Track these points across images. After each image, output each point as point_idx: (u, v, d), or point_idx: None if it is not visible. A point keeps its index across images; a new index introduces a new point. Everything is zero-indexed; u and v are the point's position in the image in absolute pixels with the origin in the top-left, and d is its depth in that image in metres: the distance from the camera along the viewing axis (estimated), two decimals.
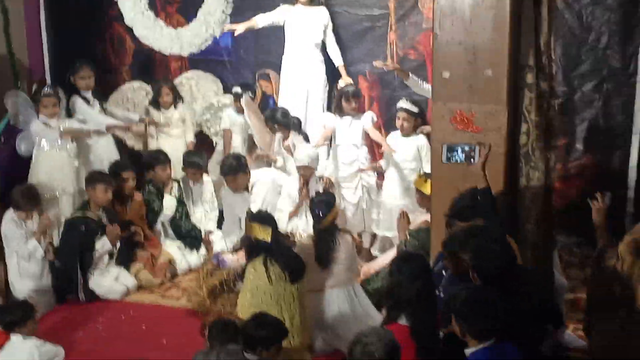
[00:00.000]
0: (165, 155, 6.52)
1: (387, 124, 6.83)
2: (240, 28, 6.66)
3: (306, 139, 6.63)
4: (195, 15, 6.77)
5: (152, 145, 7.08)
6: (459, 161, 4.47)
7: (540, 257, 4.70)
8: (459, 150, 4.47)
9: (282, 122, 6.54)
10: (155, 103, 7.07)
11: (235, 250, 6.09)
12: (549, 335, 4.27)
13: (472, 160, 4.45)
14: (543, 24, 4.54)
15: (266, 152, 6.64)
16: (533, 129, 4.55)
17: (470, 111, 4.54)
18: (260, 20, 6.75)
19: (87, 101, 6.67)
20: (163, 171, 6.43)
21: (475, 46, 4.49)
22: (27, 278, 5.66)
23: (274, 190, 6.48)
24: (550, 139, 4.68)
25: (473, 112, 4.54)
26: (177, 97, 7.08)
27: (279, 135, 6.61)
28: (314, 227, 5.30)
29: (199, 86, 7.31)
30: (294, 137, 6.54)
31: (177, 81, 7.26)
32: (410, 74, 6.33)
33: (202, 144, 7.33)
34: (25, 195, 5.63)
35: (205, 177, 6.70)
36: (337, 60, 6.79)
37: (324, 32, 6.76)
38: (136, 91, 7.40)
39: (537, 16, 4.53)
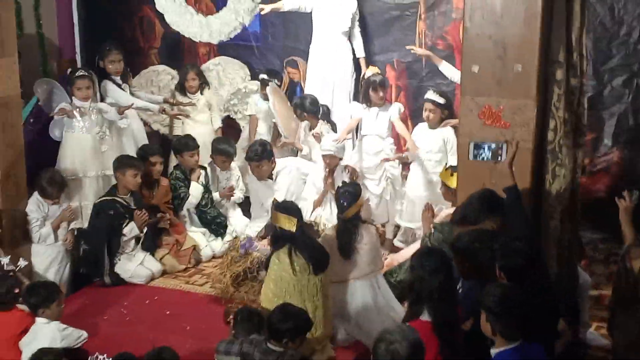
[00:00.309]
0: (194, 140, 6.53)
1: (413, 115, 6.81)
2: (266, 9, 6.64)
3: (333, 128, 6.62)
4: (223, 1, 6.82)
5: (178, 131, 7.10)
6: (485, 159, 4.45)
7: (565, 253, 4.67)
8: (486, 148, 4.44)
9: (311, 110, 6.55)
10: (182, 88, 7.08)
11: (260, 237, 6.12)
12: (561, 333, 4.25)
13: (499, 157, 4.42)
14: (575, 20, 4.48)
15: (292, 140, 6.64)
16: (561, 125, 4.51)
17: (498, 106, 4.51)
18: (287, 3, 6.74)
19: (118, 85, 6.70)
20: (191, 157, 6.44)
21: (505, 40, 4.44)
22: (47, 261, 5.74)
23: (299, 179, 6.49)
24: (579, 137, 4.63)
25: (501, 107, 4.51)
26: (203, 83, 7.10)
27: (305, 123, 6.61)
28: (337, 217, 5.30)
29: (226, 72, 7.33)
30: (321, 126, 6.54)
31: (204, 67, 7.29)
32: (443, 61, 6.29)
33: (229, 129, 7.36)
34: (49, 181, 5.69)
35: (232, 164, 6.73)
36: (359, 52, 6.78)
37: (352, 20, 6.73)
38: (160, 74, 7.44)
39: (570, 11, 4.47)
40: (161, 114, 7.04)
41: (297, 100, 6.62)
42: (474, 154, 4.46)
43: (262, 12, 6.63)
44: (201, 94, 7.09)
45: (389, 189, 6.46)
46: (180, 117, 7.00)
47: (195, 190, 6.39)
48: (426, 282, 3.75)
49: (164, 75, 7.39)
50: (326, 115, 6.62)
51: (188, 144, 6.50)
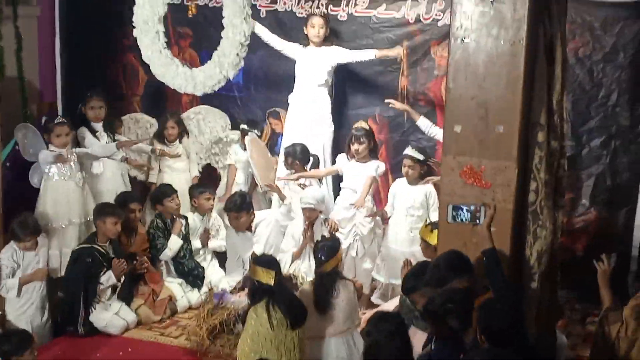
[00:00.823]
0: (172, 188, 6.53)
1: (394, 169, 6.83)
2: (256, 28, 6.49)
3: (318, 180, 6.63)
4: (206, 51, 6.85)
5: (153, 178, 7.11)
6: (464, 221, 4.46)
7: (544, 315, 4.68)
8: (464, 210, 4.46)
9: (301, 159, 6.53)
10: (160, 136, 7.09)
11: (237, 289, 6.07)
12: None
13: (477, 220, 4.44)
14: (556, 83, 4.56)
15: (277, 188, 6.61)
16: (542, 187, 4.54)
17: (480, 166, 4.54)
18: (261, 30, 6.63)
19: (94, 132, 6.67)
20: (171, 201, 6.41)
21: (488, 102, 4.49)
22: (20, 309, 5.66)
23: (278, 231, 6.48)
24: (559, 198, 4.68)
25: (483, 167, 4.54)
26: (182, 131, 7.11)
27: (288, 172, 6.58)
28: (315, 271, 5.28)
29: (206, 121, 7.33)
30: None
31: (184, 115, 7.30)
32: (421, 116, 6.35)
33: (207, 178, 7.35)
34: (21, 225, 5.63)
35: (213, 213, 6.71)
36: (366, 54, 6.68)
37: (331, 72, 6.76)
38: (139, 122, 7.42)
39: (551, 75, 4.55)
40: (152, 154, 7.04)
41: (289, 148, 6.60)
42: (452, 216, 4.48)
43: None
44: (180, 142, 7.10)
45: (356, 245, 6.39)
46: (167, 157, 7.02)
47: (175, 244, 6.34)
48: (382, 346, 3.75)
49: (142, 123, 7.38)
50: (316, 165, 6.61)
51: (166, 191, 6.48)
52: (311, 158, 6.61)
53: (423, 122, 6.35)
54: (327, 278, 5.14)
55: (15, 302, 5.64)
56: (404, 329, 3.94)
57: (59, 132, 6.28)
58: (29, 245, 5.68)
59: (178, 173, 7.06)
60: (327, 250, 5.19)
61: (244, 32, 5.35)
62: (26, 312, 5.65)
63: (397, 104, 6.53)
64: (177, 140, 7.08)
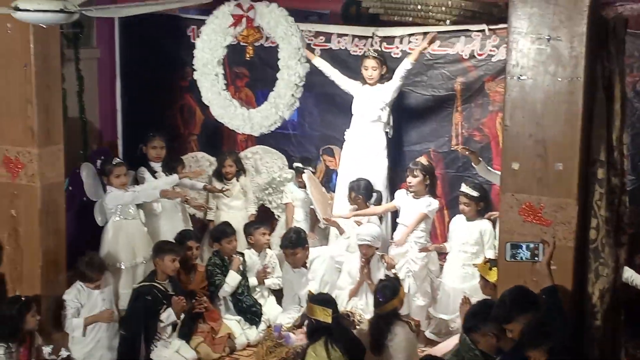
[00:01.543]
0: (231, 227, 6.60)
1: (450, 205, 6.82)
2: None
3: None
4: (262, 90, 6.97)
5: (211, 216, 7.21)
6: (523, 259, 4.43)
7: (608, 355, 4.60)
8: (523, 248, 4.42)
9: (364, 194, 6.55)
10: (219, 174, 7.20)
11: (295, 327, 6.10)
12: None
13: (536, 258, 4.40)
14: (615, 119, 4.54)
15: (335, 222, 6.63)
16: (603, 224, 4.50)
17: (539, 204, 4.52)
18: (321, 63, 6.80)
19: (153, 173, 6.81)
20: (229, 244, 6.48)
21: (546, 139, 4.48)
22: (84, 348, 5.75)
23: (333, 268, 6.50)
24: (620, 235, 4.62)
25: (542, 205, 4.52)
26: (240, 170, 7.21)
27: (351, 207, 6.62)
28: (374, 311, 5.25)
29: (263, 161, 7.44)
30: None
31: (242, 154, 7.42)
32: (481, 160, 6.34)
33: (263, 215, 7.42)
34: (89, 265, 5.74)
35: (269, 251, 6.78)
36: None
37: (385, 108, 6.77)
38: (199, 161, 7.54)
39: (610, 111, 4.53)
40: (204, 191, 7.15)
41: (353, 183, 6.62)
42: (511, 254, 4.43)
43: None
44: (237, 180, 7.19)
45: (409, 282, 6.33)
46: (217, 194, 7.13)
47: (233, 280, 6.37)
48: None
49: (203, 162, 7.51)
50: (379, 201, 6.63)
51: (226, 231, 6.55)
52: (374, 194, 6.62)
53: (482, 167, 6.29)
54: (384, 320, 5.14)
55: (81, 341, 5.74)
56: None
57: (118, 173, 6.42)
58: (96, 285, 5.79)
59: (235, 211, 7.15)
60: (386, 290, 5.18)
61: (298, 73, 5.44)
62: (92, 351, 5.74)
63: (464, 151, 6.50)
64: (235, 178, 7.17)
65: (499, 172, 6.00)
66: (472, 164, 6.38)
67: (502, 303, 4.26)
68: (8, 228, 5.66)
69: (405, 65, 6.58)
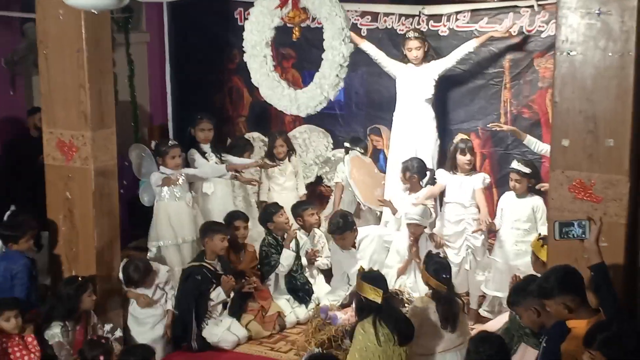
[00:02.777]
0: (276, 204, 6.66)
1: (499, 183, 6.79)
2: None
3: None
4: (308, 71, 7.00)
5: (264, 196, 7.29)
6: (574, 237, 4.35)
7: None
8: (575, 226, 4.34)
9: (418, 173, 6.54)
10: (270, 154, 7.27)
11: (342, 306, 6.15)
12: None
13: (584, 235, 4.33)
14: None
15: (389, 202, 6.65)
16: None
17: (590, 180, 4.48)
18: (369, 47, 6.83)
19: (202, 154, 6.89)
20: (280, 217, 6.52)
21: (596, 115, 4.43)
22: (141, 325, 5.91)
23: (381, 247, 6.53)
24: None
25: (593, 181, 4.47)
26: (290, 150, 7.27)
27: (404, 186, 6.63)
28: (440, 289, 5.17)
29: (311, 140, 7.49)
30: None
31: (291, 134, 7.48)
32: (527, 135, 6.29)
33: (314, 197, 7.48)
34: (135, 270, 5.84)
35: (317, 230, 6.82)
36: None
37: (435, 86, 6.78)
38: (255, 141, 7.59)
39: None
40: (258, 167, 7.18)
41: (406, 163, 6.60)
42: (560, 232, 4.31)
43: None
44: (289, 160, 7.25)
45: (469, 259, 6.38)
46: (270, 175, 7.20)
47: (287, 259, 6.42)
48: None
49: (257, 142, 7.56)
50: (432, 180, 6.61)
51: (271, 209, 6.59)
52: (428, 173, 6.62)
53: (530, 141, 6.28)
54: (451, 294, 5.15)
55: (139, 318, 5.91)
56: (504, 352, 3.91)
57: (174, 154, 6.54)
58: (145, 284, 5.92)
59: (287, 192, 7.21)
60: (448, 268, 5.19)
61: (342, 53, 5.45)
62: (148, 328, 5.89)
63: (504, 127, 6.49)
64: (287, 158, 7.23)
65: (547, 145, 6.03)
66: (520, 139, 6.35)
67: (546, 278, 4.18)
68: (63, 210, 5.79)
69: (468, 47, 6.56)
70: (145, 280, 5.89)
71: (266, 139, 7.51)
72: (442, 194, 6.58)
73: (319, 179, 7.62)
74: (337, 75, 5.51)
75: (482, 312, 6.35)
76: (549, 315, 4.26)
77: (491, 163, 6.89)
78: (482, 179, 6.39)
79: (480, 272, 6.40)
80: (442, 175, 6.56)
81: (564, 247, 4.50)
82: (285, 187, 7.24)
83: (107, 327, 5.14)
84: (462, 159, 6.37)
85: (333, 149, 7.45)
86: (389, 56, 6.89)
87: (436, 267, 5.13)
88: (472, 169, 6.45)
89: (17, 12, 7.11)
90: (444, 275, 5.11)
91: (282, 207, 6.62)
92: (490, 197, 6.83)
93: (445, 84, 6.86)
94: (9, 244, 5.56)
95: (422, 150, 6.80)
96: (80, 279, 5.39)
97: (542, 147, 6.23)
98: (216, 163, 6.88)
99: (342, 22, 5.46)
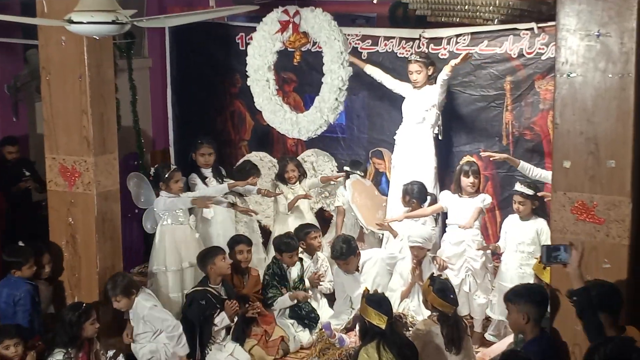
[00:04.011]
0: (295, 241, 6.54)
1: (502, 204, 6.78)
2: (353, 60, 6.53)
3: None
4: (309, 94, 7.03)
5: (268, 221, 7.30)
6: (559, 261, 4.34)
7: None
8: (562, 250, 4.33)
9: (418, 197, 6.55)
10: (282, 178, 7.25)
11: (346, 329, 6.11)
12: None
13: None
14: None
15: (389, 226, 6.64)
16: None
17: (592, 201, 4.47)
18: (372, 70, 6.88)
19: (203, 178, 6.89)
20: (290, 258, 6.48)
21: (597, 136, 4.43)
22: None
23: (385, 270, 6.49)
24: None
25: (595, 203, 4.47)
26: (302, 174, 7.27)
27: (405, 209, 6.62)
28: (446, 312, 5.18)
29: (318, 163, 7.51)
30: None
31: (299, 158, 7.46)
32: (521, 161, 6.30)
33: (320, 221, 7.43)
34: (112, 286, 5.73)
35: (320, 254, 6.81)
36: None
37: (434, 110, 6.74)
38: (262, 161, 7.55)
39: None
40: (257, 194, 7.14)
41: (407, 186, 6.63)
42: (550, 257, 4.32)
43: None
44: (300, 184, 7.25)
45: (469, 280, 6.34)
46: (271, 196, 7.17)
47: (283, 303, 6.42)
48: None
49: (265, 163, 7.51)
50: (433, 204, 6.61)
51: (290, 244, 6.49)
52: (428, 197, 6.62)
53: (524, 167, 6.29)
54: (456, 316, 5.15)
55: (140, 348, 5.82)
56: None
57: (177, 178, 6.54)
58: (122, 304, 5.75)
59: (294, 216, 7.20)
60: (453, 290, 5.18)
61: (341, 77, 5.50)
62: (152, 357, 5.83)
63: (496, 155, 6.48)
64: (297, 182, 7.24)
65: (542, 170, 6.04)
66: (513, 165, 6.39)
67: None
68: (66, 235, 5.80)
69: (442, 75, 6.57)
70: (121, 299, 5.69)
71: (274, 160, 7.51)
72: (444, 215, 6.58)
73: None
74: (337, 99, 5.57)
75: (488, 336, 6.31)
76: (532, 328, 4.57)
77: (494, 185, 6.88)
78: (482, 199, 6.40)
79: (482, 294, 6.36)
80: (445, 197, 6.56)
81: (563, 269, 4.47)
82: (300, 209, 7.22)
83: (110, 353, 5.11)
84: (466, 181, 6.37)
85: (338, 171, 7.44)
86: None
87: (441, 287, 5.12)
88: (477, 192, 6.43)
89: (20, 38, 7.17)
90: (451, 296, 5.09)
91: (297, 248, 6.53)
92: (493, 220, 6.82)
93: (447, 107, 6.87)
94: (12, 271, 5.57)
95: (420, 173, 6.79)
96: (84, 305, 5.37)
97: (536, 173, 6.24)
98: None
99: (341, 45, 5.51)
